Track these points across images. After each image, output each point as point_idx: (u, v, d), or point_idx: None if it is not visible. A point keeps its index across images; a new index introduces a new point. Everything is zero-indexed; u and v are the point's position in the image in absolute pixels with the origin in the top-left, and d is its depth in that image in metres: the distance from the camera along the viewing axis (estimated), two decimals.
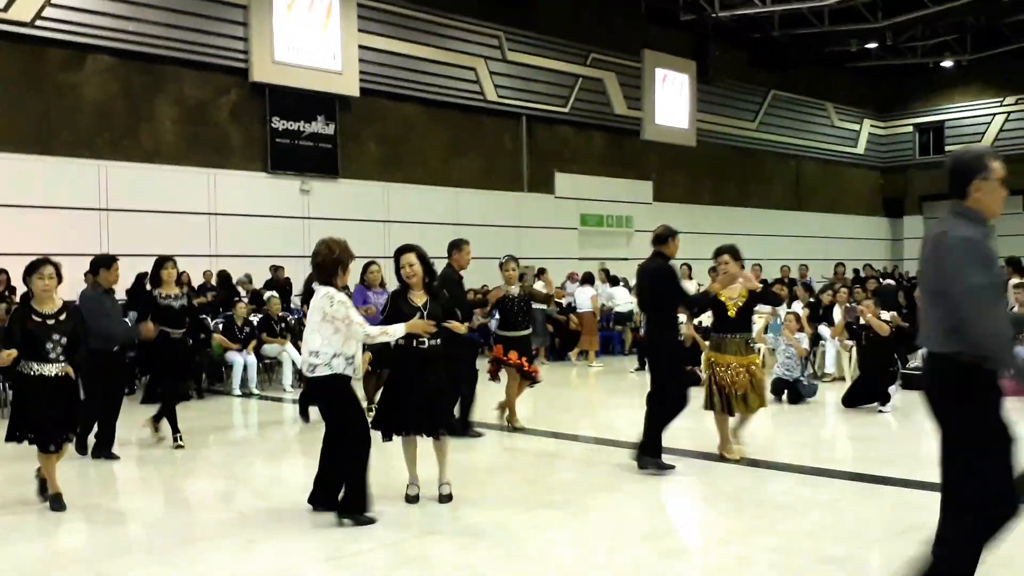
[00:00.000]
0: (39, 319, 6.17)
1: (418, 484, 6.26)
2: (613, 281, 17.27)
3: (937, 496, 3.64)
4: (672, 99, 24.75)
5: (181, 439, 8.33)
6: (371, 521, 5.66)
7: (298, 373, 12.35)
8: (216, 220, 16.69)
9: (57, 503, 6.22)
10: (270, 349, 12.33)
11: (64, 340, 6.21)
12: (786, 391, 10.31)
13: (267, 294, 13.15)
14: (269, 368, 12.82)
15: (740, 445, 7.40)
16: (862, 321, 9.79)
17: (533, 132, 21.94)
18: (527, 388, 9.09)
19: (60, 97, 15.00)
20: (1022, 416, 9.73)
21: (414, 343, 6.06)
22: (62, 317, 6.25)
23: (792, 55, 27.08)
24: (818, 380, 11.56)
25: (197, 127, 16.61)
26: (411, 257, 6.20)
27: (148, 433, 8.54)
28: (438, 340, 6.17)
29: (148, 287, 8.43)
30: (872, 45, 26.94)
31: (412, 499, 6.21)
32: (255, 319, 12.58)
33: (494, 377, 9.05)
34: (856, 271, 22.62)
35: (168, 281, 8.25)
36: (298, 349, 12.41)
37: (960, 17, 24.63)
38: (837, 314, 12.35)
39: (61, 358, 6.20)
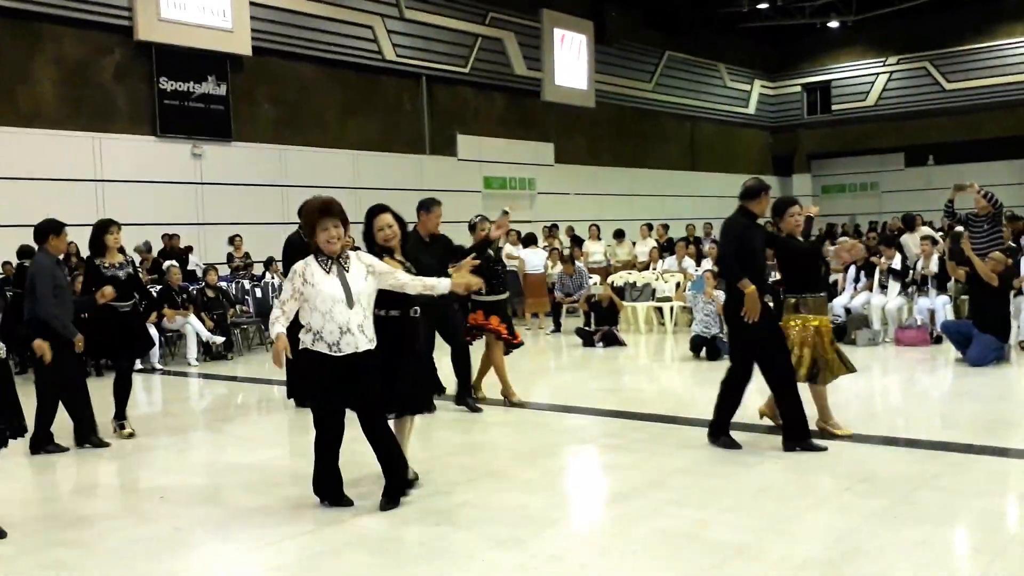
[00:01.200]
0: None
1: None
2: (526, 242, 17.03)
3: None
4: (571, 60, 24.65)
5: (129, 425, 7.62)
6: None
7: (203, 345, 11.88)
8: (103, 187, 15.81)
9: None
10: (173, 321, 11.76)
11: None
12: (704, 348, 10.41)
13: (166, 263, 12.51)
14: (171, 341, 12.27)
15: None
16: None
17: (433, 93, 21.53)
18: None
19: None
20: (918, 364, 10.07)
21: (406, 312, 5.62)
22: None
23: (685, 16, 27.34)
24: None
25: (79, 89, 15.65)
26: (388, 217, 5.63)
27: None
28: (417, 309, 5.68)
29: (88, 255, 7.60)
30: (763, 6, 27.37)
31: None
32: (154, 290, 11.96)
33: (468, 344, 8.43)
34: None
35: (112, 248, 7.43)
36: (201, 320, 11.93)
37: None
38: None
39: None
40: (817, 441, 6.39)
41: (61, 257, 7.51)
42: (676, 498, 5.34)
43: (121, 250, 7.61)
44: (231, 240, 15.71)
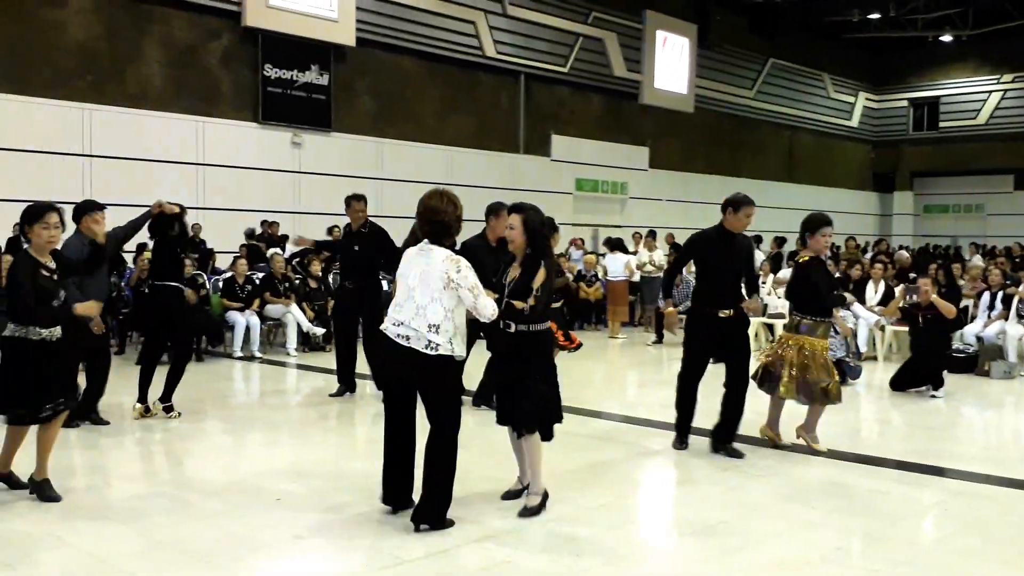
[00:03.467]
0: (47, 273, 5.33)
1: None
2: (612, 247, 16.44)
3: None
4: (672, 63, 24.08)
5: (173, 407, 7.65)
6: (451, 524, 4.91)
7: (303, 336, 11.69)
8: (204, 171, 15.84)
9: (47, 491, 5.33)
10: (273, 310, 11.57)
11: (63, 298, 5.40)
12: None
13: (270, 251, 12.36)
14: (272, 330, 12.14)
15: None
16: (913, 299, 9.26)
17: (531, 91, 21.20)
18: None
19: (40, 34, 14.01)
20: None
21: (500, 324, 5.15)
22: (57, 272, 5.41)
23: (791, 23, 26.53)
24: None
25: (186, 72, 15.70)
26: (518, 219, 5.12)
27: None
28: (528, 325, 5.16)
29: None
30: (874, 16, 26.40)
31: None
32: (256, 277, 11.82)
33: None
34: (858, 245, 22.12)
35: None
36: (303, 310, 11.75)
37: None
38: (870, 290, 11.87)
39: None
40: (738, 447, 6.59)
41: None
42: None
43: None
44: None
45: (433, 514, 4.83)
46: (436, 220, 4.87)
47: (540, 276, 5.06)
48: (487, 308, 4.83)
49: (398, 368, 4.86)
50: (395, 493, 5.08)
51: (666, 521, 5.47)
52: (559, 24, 21.43)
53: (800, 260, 6.74)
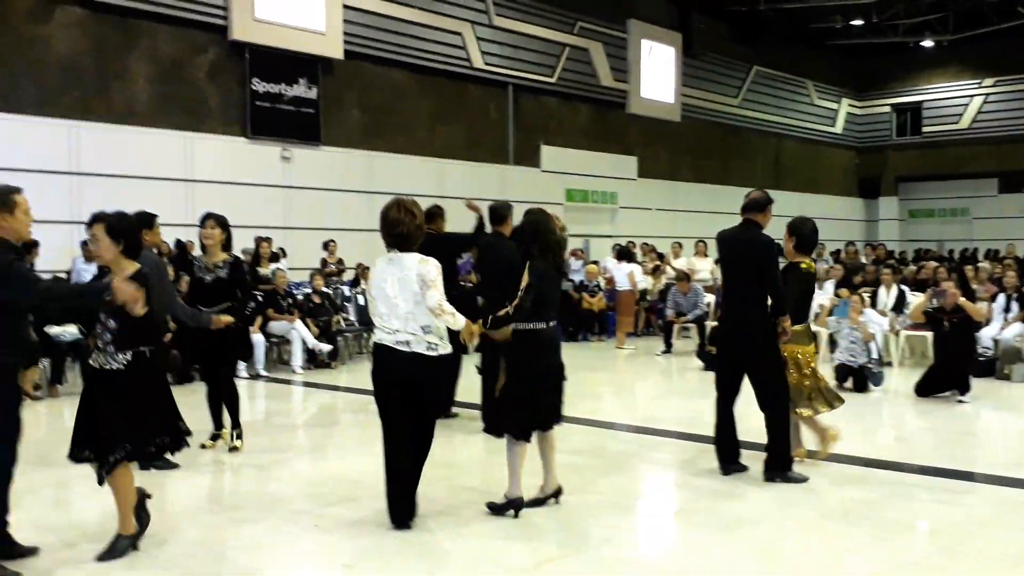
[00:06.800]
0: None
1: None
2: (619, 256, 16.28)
3: None
4: (658, 72, 24.01)
5: (240, 436, 7.10)
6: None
7: (308, 352, 11.35)
8: (193, 187, 15.50)
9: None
10: (278, 327, 11.25)
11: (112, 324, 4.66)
12: (851, 378, 9.64)
13: (272, 266, 12.06)
14: (276, 347, 11.82)
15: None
16: (938, 303, 9.13)
17: (519, 102, 21.04)
18: None
19: (26, 50, 13.67)
20: None
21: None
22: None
23: (773, 31, 26.58)
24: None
25: (173, 87, 15.39)
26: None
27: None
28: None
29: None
30: (857, 23, 26.49)
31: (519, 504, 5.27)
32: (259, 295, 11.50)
33: None
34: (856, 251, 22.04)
35: (211, 247, 7.13)
36: (307, 326, 11.45)
37: None
38: (882, 295, 11.74)
39: (111, 348, 4.57)
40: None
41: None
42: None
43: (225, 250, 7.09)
44: (325, 245, 15.31)
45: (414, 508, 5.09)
46: (396, 232, 4.99)
47: (524, 278, 5.24)
48: (431, 299, 4.91)
49: (403, 374, 4.92)
50: (408, 509, 5.04)
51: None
52: (545, 34, 21.31)
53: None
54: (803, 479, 6.04)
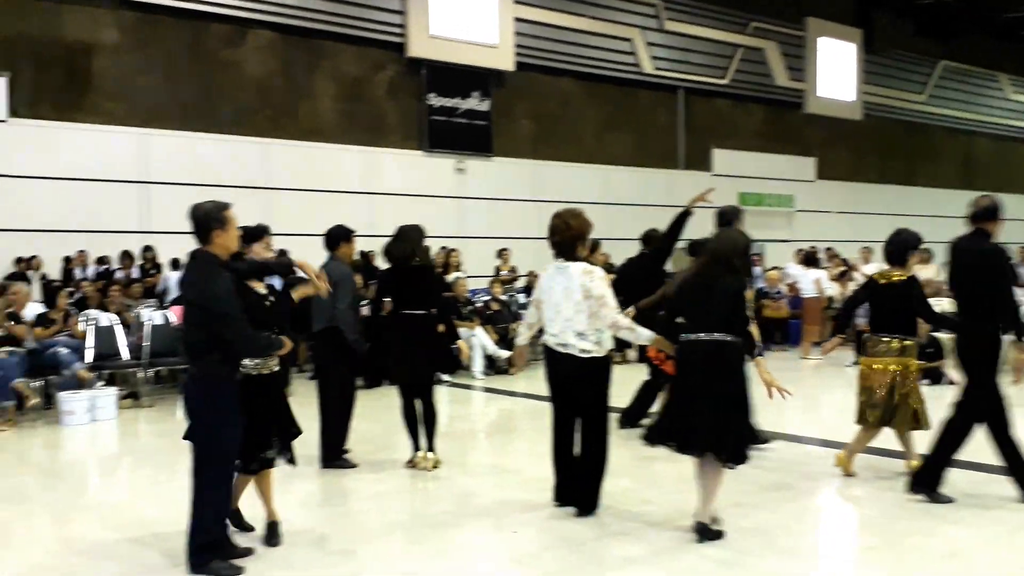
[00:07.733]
0: (256, 297, 4.93)
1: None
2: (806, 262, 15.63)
3: None
4: (836, 70, 23.11)
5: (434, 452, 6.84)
6: None
7: (488, 359, 11.57)
8: (373, 200, 16.15)
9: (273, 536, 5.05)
10: (460, 333, 11.54)
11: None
12: None
13: (453, 275, 12.41)
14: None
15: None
16: None
17: (690, 106, 20.75)
18: None
19: (222, 73, 14.67)
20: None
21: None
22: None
23: (962, 22, 25.03)
24: None
25: (354, 104, 16.10)
26: None
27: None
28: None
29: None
30: None
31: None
32: None
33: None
34: None
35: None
36: (487, 333, 11.69)
37: None
38: None
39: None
40: None
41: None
42: None
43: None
44: (499, 253, 15.60)
45: (594, 500, 5.41)
46: (552, 240, 5.38)
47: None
48: (606, 318, 5.20)
49: (563, 374, 5.34)
50: (576, 490, 5.45)
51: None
52: (717, 36, 20.93)
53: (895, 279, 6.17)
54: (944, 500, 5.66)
